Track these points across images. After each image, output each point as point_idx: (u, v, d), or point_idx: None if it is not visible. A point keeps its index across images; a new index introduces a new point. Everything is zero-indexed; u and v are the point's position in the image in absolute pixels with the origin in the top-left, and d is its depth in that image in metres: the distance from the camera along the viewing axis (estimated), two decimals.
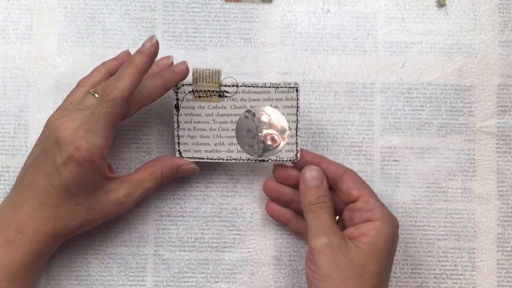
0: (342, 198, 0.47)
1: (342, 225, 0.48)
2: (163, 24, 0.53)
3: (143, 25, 0.53)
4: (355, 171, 0.48)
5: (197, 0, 0.53)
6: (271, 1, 0.53)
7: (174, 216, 0.52)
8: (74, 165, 0.43)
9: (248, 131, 0.48)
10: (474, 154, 0.53)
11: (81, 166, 0.43)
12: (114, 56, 0.51)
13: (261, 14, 0.53)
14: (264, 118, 0.48)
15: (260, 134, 0.48)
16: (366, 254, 0.44)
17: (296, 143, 0.48)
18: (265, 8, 0.53)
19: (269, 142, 0.48)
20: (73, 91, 0.48)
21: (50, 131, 0.44)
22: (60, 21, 0.53)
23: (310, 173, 0.47)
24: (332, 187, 0.48)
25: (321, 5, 0.53)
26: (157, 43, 0.43)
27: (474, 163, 0.52)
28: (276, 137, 0.48)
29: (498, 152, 0.53)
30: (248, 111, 0.48)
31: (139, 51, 0.43)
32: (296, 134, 0.48)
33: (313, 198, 0.46)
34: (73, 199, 0.44)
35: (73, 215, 0.45)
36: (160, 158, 0.50)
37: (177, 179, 0.51)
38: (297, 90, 0.47)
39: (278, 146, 0.48)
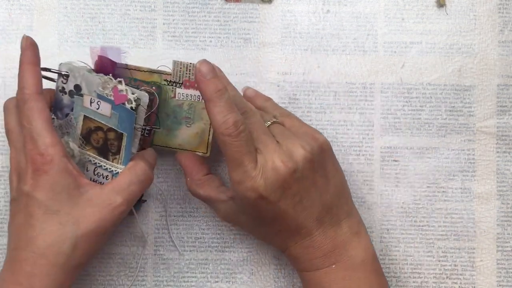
0: None
1: None
2: (163, 24, 0.53)
3: (143, 25, 0.53)
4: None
5: (197, 0, 0.53)
6: (271, 1, 0.53)
7: (174, 216, 0.52)
8: (38, 176, 0.41)
9: None
10: (474, 154, 0.53)
11: (45, 173, 0.41)
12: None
13: (261, 14, 0.53)
14: None
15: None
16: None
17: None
18: (265, 8, 0.53)
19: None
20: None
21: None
22: (60, 21, 0.53)
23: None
24: None
25: (321, 5, 0.53)
26: (28, 38, 0.44)
27: (474, 163, 0.53)
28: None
29: (498, 152, 0.53)
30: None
31: (21, 49, 0.44)
32: None
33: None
34: (56, 217, 0.41)
35: (62, 235, 0.41)
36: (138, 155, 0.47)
37: (177, 179, 0.51)
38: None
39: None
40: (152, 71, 0.48)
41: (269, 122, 0.46)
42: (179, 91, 0.48)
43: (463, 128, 0.53)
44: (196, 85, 0.43)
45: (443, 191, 0.52)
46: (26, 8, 0.53)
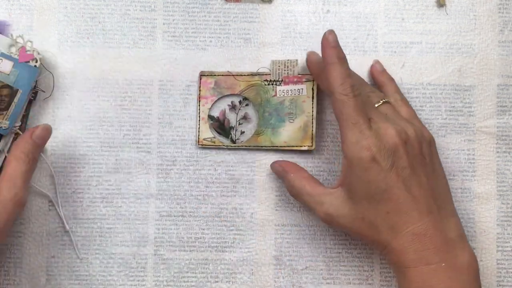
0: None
1: None
2: (163, 24, 0.53)
3: (143, 25, 0.53)
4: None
5: (197, 0, 0.53)
6: (271, 1, 0.53)
7: (174, 216, 0.52)
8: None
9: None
10: (474, 154, 0.53)
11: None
12: (114, 56, 0.52)
13: (261, 14, 0.53)
14: None
15: None
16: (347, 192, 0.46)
17: None
18: (265, 8, 0.53)
19: None
20: None
21: None
22: (60, 21, 0.53)
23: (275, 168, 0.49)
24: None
25: (321, 5, 0.53)
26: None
27: (474, 163, 0.53)
28: None
29: (498, 152, 0.53)
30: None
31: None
32: None
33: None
34: None
35: None
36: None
37: (177, 179, 0.51)
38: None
39: None
40: (253, 74, 0.51)
41: (381, 102, 0.48)
42: (280, 88, 0.51)
43: (463, 128, 0.53)
44: (322, 51, 0.46)
45: None
46: (26, 8, 0.53)
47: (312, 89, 0.51)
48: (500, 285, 0.52)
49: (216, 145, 0.52)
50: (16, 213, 0.44)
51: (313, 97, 0.51)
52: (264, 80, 0.51)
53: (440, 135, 0.52)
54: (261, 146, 0.52)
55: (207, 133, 0.52)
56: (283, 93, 0.51)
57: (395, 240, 0.44)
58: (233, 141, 0.52)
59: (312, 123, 0.51)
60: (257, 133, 0.52)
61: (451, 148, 0.53)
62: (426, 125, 0.52)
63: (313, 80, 0.51)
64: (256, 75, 0.52)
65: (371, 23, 0.53)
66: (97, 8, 0.53)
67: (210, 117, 0.52)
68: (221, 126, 0.52)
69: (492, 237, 0.52)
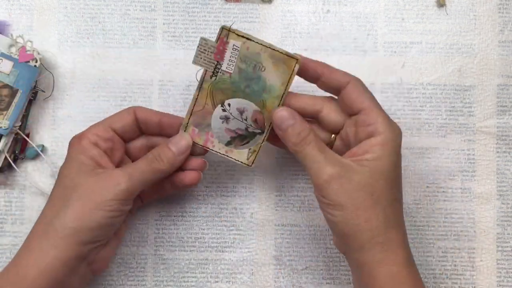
0: (345, 109, 0.46)
1: (342, 143, 0.46)
2: (163, 24, 0.53)
3: (143, 25, 0.53)
4: (360, 79, 0.45)
5: (197, 0, 0.53)
6: (271, 1, 0.53)
7: (174, 216, 0.52)
8: (68, 151, 0.46)
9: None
10: (474, 154, 0.53)
11: (70, 146, 0.46)
12: (114, 56, 0.52)
13: (261, 14, 0.53)
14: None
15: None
16: (372, 171, 0.42)
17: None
18: (265, 8, 0.53)
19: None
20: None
21: None
22: (60, 21, 0.53)
23: (280, 115, 0.45)
24: (335, 96, 0.46)
25: (321, 5, 0.53)
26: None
27: (474, 163, 0.53)
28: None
29: (497, 152, 0.53)
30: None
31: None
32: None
33: (295, 138, 0.44)
34: (64, 190, 0.44)
35: (72, 201, 0.44)
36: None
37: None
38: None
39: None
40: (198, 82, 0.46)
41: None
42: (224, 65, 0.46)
43: (463, 128, 0.53)
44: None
45: (443, 191, 0.52)
46: (26, 8, 0.53)
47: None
48: (500, 285, 0.52)
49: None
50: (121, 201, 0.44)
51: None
52: (212, 75, 0.46)
53: (440, 135, 0.52)
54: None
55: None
56: (231, 66, 0.45)
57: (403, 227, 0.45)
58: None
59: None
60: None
61: (451, 148, 0.53)
62: (426, 125, 0.52)
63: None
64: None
65: (371, 23, 0.53)
66: (97, 8, 0.53)
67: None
68: (240, 137, 0.48)
69: (492, 237, 0.52)
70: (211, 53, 0.45)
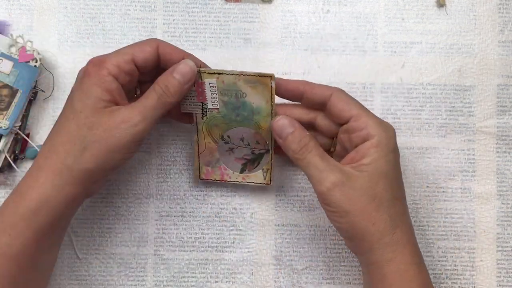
0: (334, 120, 0.47)
1: (340, 147, 0.47)
2: (163, 24, 0.53)
3: (143, 25, 0.53)
4: (342, 89, 0.46)
5: (197, 0, 0.53)
6: (271, 1, 0.53)
7: (174, 216, 0.52)
8: (82, 78, 0.43)
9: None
10: (473, 154, 0.53)
11: (87, 74, 0.43)
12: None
13: (261, 14, 0.53)
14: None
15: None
16: (371, 175, 0.43)
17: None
18: (265, 8, 0.53)
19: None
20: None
21: None
22: (60, 21, 0.53)
23: (279, 124, 0.45)
24: (322, 109, 0.47)
25: (321, 5, 0.53)
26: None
27: (473, 163, 0.53)
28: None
29: (497, 152, 0.53)
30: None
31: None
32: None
33: (295, 146, 0.44)
34: (76, 118, 0.43)
35: (75, 136, 0.43)
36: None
37: (177, 179, 0.51)
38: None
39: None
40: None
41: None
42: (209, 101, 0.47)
43: (463, 128, 0.53)
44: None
45: (443, 191, 0.52)
46: (26, 8, 0.53)
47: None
48: (500, 285, 0.52)
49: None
50: (130, 143, 0.43)
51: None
52: (206, 109, 0.47)
53: (440, 135, 0.52)
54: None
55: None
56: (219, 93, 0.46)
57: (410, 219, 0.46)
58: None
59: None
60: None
61: (451, 148, 0.53)
62: (426, 125, 0.52)
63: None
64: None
65: (371, 23, 0.53)
66: (97, 8, 0.53)
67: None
68: (250, 161, 0.50)
69: (492, 237, 0.52)
70: (193, 97, 0.47)
